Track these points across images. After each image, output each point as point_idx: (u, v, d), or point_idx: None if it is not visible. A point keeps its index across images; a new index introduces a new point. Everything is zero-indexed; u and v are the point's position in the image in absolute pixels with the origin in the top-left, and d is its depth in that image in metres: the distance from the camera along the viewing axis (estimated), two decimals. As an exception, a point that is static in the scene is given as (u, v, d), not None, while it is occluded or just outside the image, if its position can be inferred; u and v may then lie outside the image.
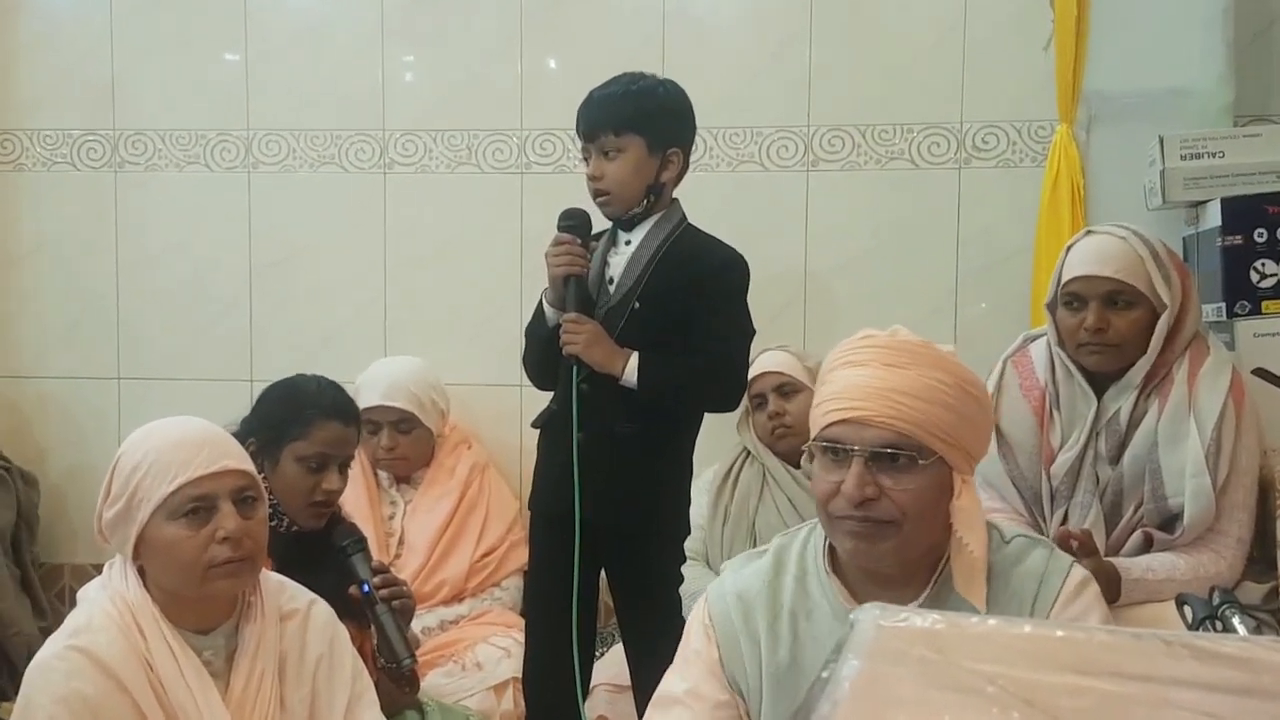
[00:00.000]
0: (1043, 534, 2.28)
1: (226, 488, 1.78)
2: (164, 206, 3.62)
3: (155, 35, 3.60)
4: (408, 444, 3.17)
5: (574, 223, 2.49)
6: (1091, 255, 2.26)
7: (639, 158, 2.45)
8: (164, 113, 3.60)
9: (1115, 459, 2.26)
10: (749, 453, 2.92)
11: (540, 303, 2.56)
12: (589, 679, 2.62)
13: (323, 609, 1.95)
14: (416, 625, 2.48)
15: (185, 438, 1.80)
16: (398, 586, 2.23)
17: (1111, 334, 2.23)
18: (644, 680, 2.33)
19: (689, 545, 2.64)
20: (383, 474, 3.22)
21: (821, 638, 1.62)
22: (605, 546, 2.48)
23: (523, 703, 2.69)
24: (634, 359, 2.41)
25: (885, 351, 1.59)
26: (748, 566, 1.74)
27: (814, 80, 3.31)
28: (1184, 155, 2.71)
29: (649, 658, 2.22)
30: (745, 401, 2.83)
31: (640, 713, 2.19)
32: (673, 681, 1.71)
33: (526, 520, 2.77)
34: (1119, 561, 2.19)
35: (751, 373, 2.75)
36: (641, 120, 2.45)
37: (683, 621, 1.83)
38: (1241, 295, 2.58)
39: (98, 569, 1.90)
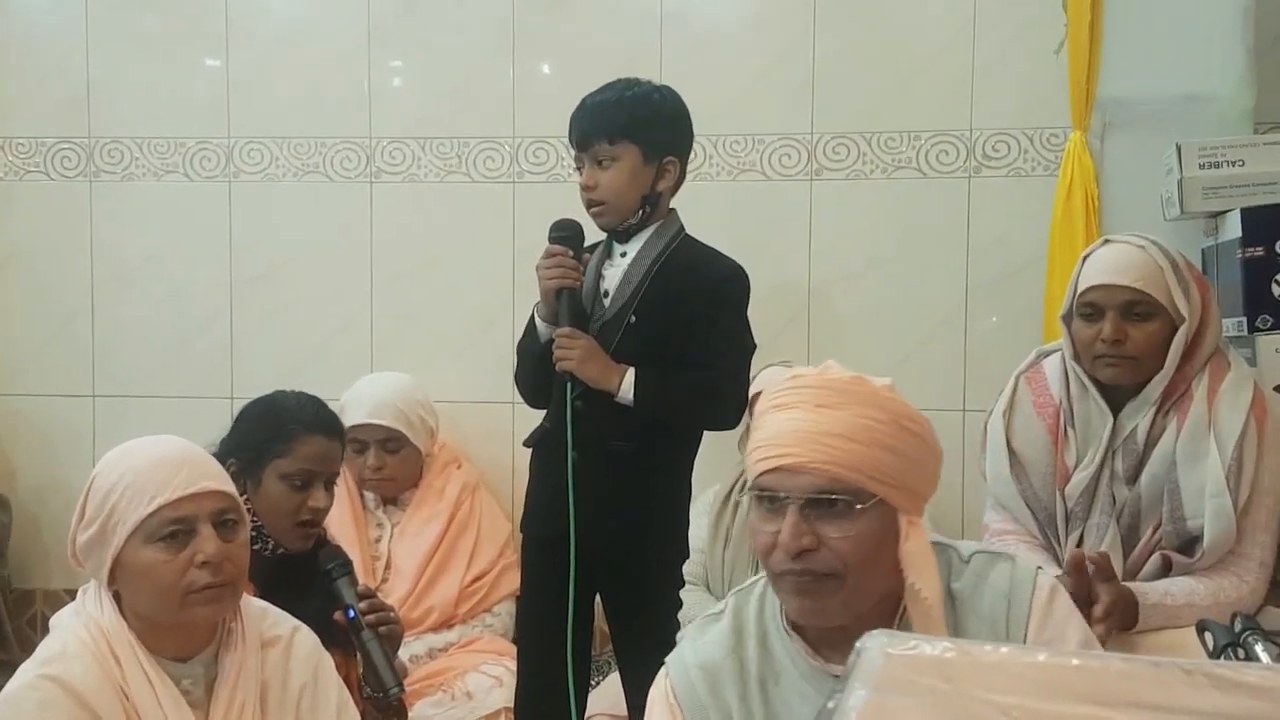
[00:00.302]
0: (1058, 557, 2.27)
1: (206, 510, 1.76)
2: (141, 217, 3.58)
3: (132, 39, 3.58)
4: (395, 464, 3.15)
5: (566, 234, 2.47)
6: (1110, 264, 2.24)
7: (634, 166, 2.43)
8: (141, 120, 3.56)
9: (1132, 479, 2.23)
10: (751, 473, 2.88)
11: (532, 317, 2.54)
12: (584, 709, 2.59)
13: (306, 636, 1.93)
14: (404, 653, 2.47)
15: (163, 458, 1.78)
16: (385, 612, 2.20)
17: (1129, 346, 2.21)
18: (641, 711, 2.27)
19: (688, 569, 2.61)
20: (369, 495, 3.20)
21: (792, 701, 1.59)
22: (601, 570, 2.45)
23: (515, 733, 2.67)
24: (630, 375, 2.39)
25: (815, 392, 1.53)
26: (705, 634, 1.69)
27: (817, 85, 3.28)
28: (1202, 164, 2.67)
29: (647, 687, 2.17)
30: (747, 419, 2.77)
31: (638, 743, 2.14)
32: None
33: (518, 543, 2.74)
34: (1136, 586, 2.16)
35: (753, 390, 2.70)
36: (636, 128, 2.42)
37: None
38: (1263, 309, 2.55)
39: (71, 594, 1.88)
